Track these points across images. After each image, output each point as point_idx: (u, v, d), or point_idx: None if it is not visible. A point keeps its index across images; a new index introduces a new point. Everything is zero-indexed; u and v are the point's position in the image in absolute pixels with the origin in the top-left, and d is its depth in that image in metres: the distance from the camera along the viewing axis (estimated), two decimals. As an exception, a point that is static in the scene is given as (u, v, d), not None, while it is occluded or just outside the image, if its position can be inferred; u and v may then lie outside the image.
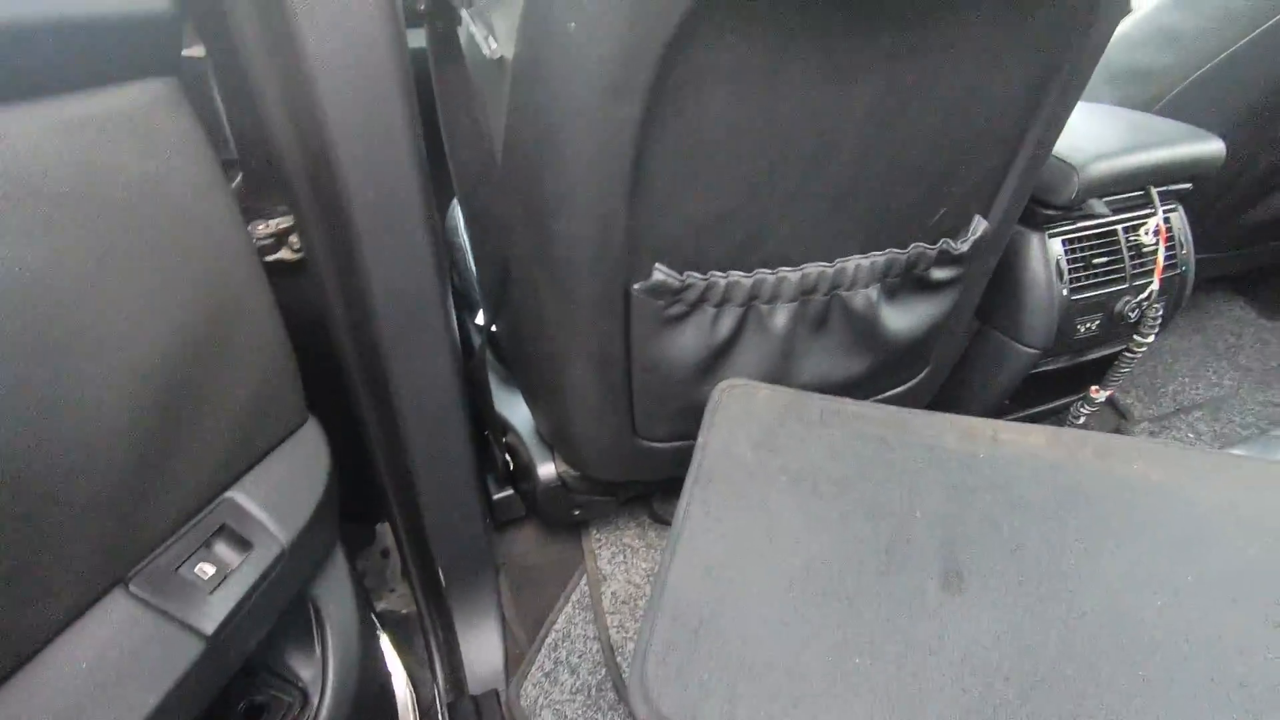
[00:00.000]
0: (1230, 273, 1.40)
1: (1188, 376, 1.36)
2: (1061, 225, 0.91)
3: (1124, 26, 1.05)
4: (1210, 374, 1.37)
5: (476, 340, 0.97)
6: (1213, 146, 0.90)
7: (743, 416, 0.67)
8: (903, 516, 0.56)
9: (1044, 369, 1.01)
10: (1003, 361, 0.98)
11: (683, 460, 0.66)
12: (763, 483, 0.60)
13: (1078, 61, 0.66)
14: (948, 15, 0.57)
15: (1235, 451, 0.66)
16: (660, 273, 0.66)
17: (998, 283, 0.91)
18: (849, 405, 0.68)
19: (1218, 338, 1.43)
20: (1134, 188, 0.90)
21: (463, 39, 0.60)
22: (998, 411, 1.10)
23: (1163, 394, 1.33)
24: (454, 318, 0.74)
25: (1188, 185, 0.94)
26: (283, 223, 0.58)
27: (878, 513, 0.57)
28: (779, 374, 0.77)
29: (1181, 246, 0.98)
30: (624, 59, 0.50)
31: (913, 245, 0.75)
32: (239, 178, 0.57)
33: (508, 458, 0.96)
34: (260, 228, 0.57)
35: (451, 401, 0.74)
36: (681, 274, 0.67)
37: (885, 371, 0.86)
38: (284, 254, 0.59)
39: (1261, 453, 0.65)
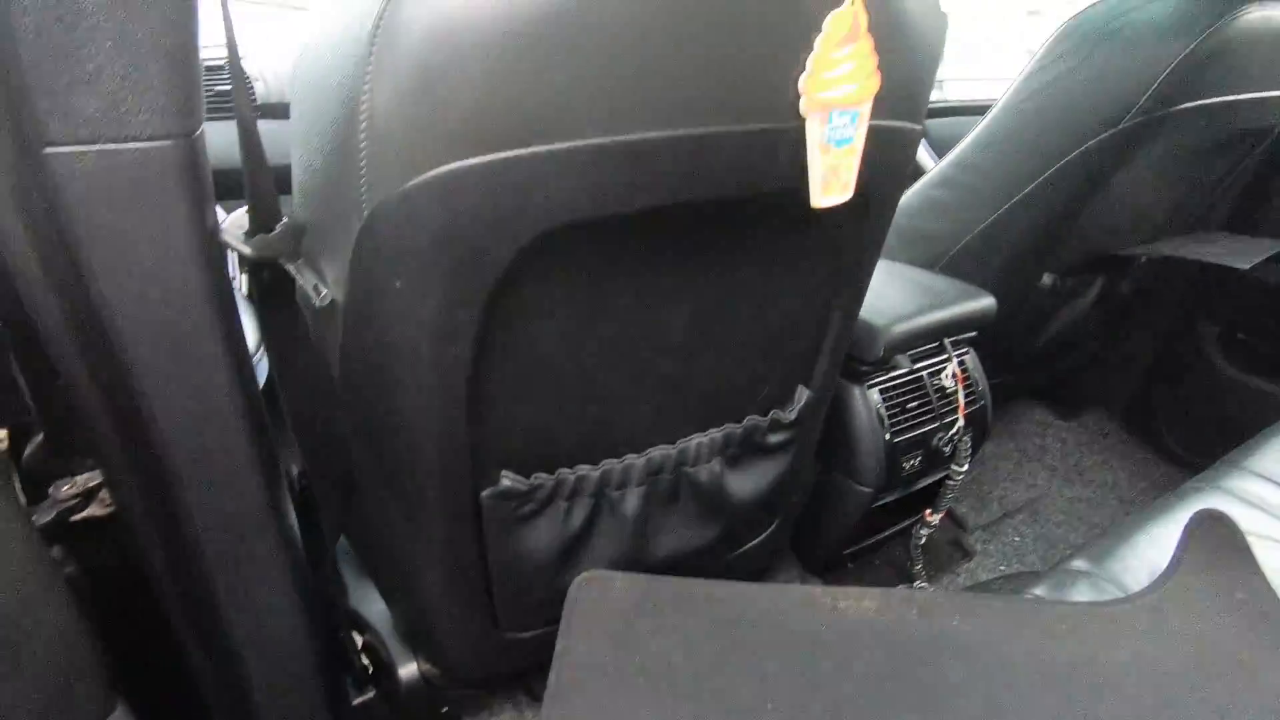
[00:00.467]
0: (1028, 386, 1.62)
1: (1009, 481, 1.52)
2: (877, 377, 1.02)
3: (907, 196, 1.23)
4: (1026, 476, 1.54)
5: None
6: (985, 303, 1.06)
7: (600, 613, 0.68)
8: (754, 712, 0.58)
9: (883, 502, 1.10)
10: (845, 500, 1.06)
11: (552, 645, 0.65)
12: (621, 689, 0.61)
13: (862, 253, 0.77)
14: (744, 242, 0.66)
15: (1037, 592, 0.74)
16: (508, 479, 0.67)
17: (833, 432, 1.00)
18: (700, 587, 0.71)
19: (1027, 442, 1.62)
20: (930, 340, 1.04)
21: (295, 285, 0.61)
22: (849, 541, 1.18)
23: (990, 499, 1.48)
24: (297, 537, 0.71)
25: (974, 333, 1.09)
26: (91, 479, 0.54)
27: (731, 711, 0.59)
28: (636, 552, 0.79)
29: (978, 384, 1.13)
30: (449, 310, 0.53)
31: (746, 418, 0.81)
32: (39, 438, 0.53)
33: (365, 660, 0.90)
34: (65, 489, 0.53)
35: (295, 625, 0.70)
36: (529, 476, 0.68)
37: (738, 531, 0.90)
38: (93, 510, 0.55)
39: (1056, 590, 0.74)
